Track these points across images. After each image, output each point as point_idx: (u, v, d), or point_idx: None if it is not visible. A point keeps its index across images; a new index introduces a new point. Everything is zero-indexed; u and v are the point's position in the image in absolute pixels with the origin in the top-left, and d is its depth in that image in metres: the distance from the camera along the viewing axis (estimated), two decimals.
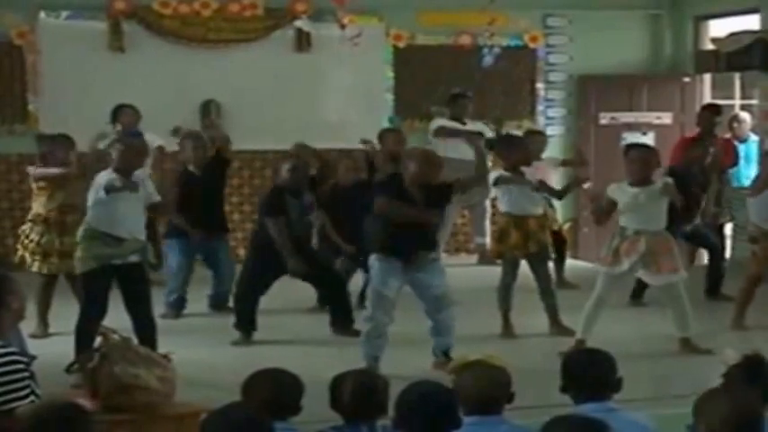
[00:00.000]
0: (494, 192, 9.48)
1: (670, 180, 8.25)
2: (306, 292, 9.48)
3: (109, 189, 7.31)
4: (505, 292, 8.84)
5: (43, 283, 8.69)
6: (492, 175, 8.97)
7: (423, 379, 4.46)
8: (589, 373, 4.43)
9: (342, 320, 8.83)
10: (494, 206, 10.89)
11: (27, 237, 8.66)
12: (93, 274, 7.43)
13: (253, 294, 8.77)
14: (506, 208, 8.87)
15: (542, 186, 8.98)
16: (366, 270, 8.30)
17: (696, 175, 9.78)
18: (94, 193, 7.46)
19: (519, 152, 8.97)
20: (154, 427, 5.57)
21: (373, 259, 7.66)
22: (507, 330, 8.80)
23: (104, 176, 7.48)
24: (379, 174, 9.33)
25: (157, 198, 7.83)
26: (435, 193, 7.62)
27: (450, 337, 7.70)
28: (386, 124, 11.94)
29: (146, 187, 7.68)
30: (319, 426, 4.43)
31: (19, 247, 8.71)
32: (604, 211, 8.25)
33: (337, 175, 9.65)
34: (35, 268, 8.60)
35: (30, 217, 8.71)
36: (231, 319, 8.84)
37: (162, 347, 6.87)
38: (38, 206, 8.66)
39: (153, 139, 10.31)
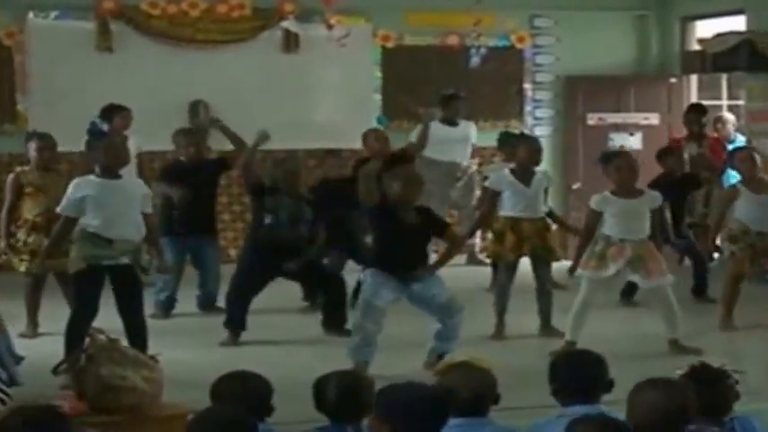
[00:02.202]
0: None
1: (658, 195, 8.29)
2: (296, 293, 9.47)
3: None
4: (501, 292, 8.83)
5: (31, 284, 8.67)
6: (492, 176, 8.99)
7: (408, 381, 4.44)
8: (579, 375, 4.39)
9: (335, 320, 8.79)
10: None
11: (14, 237, 8.64)
12: (84, 274, 7.32)
13: (246, 294, 8.72)
14: (503, 209, 8.78)
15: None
16: (358, 261, 8.31)
17: (679, 182, 9.85)
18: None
19: (522, 151, 8.87)
20: (141, 428, 5.56)
21: (367, 273, 7.63)
22: (499, 331, 8.78)
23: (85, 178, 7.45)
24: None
25: (149, 209, 7.62)
26: (424, 218, 7.61)
27: (454, 343, 7.60)
28: (374, 124, 11.92)
29: (144, 191, 7.59)
30: (305, 426, 4.43)
31: (7, 249, 8.68)
32: (591, 227, 8.18)
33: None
34: (22, 268, 8.57)
35: (19, 223, 8.66)
36: (220, 319, 8.83)
37: (150, 348, 6.86)
38: (25, 211, 8.63)
39: (138, 142, 10.29)
